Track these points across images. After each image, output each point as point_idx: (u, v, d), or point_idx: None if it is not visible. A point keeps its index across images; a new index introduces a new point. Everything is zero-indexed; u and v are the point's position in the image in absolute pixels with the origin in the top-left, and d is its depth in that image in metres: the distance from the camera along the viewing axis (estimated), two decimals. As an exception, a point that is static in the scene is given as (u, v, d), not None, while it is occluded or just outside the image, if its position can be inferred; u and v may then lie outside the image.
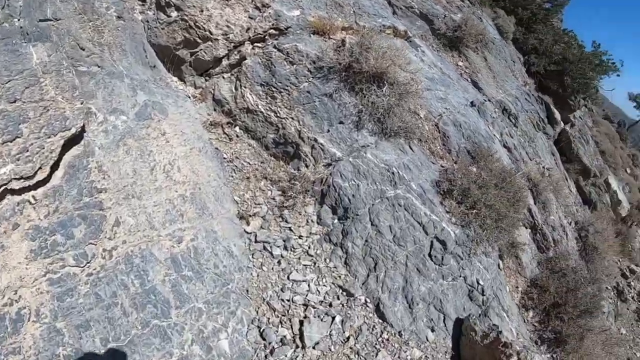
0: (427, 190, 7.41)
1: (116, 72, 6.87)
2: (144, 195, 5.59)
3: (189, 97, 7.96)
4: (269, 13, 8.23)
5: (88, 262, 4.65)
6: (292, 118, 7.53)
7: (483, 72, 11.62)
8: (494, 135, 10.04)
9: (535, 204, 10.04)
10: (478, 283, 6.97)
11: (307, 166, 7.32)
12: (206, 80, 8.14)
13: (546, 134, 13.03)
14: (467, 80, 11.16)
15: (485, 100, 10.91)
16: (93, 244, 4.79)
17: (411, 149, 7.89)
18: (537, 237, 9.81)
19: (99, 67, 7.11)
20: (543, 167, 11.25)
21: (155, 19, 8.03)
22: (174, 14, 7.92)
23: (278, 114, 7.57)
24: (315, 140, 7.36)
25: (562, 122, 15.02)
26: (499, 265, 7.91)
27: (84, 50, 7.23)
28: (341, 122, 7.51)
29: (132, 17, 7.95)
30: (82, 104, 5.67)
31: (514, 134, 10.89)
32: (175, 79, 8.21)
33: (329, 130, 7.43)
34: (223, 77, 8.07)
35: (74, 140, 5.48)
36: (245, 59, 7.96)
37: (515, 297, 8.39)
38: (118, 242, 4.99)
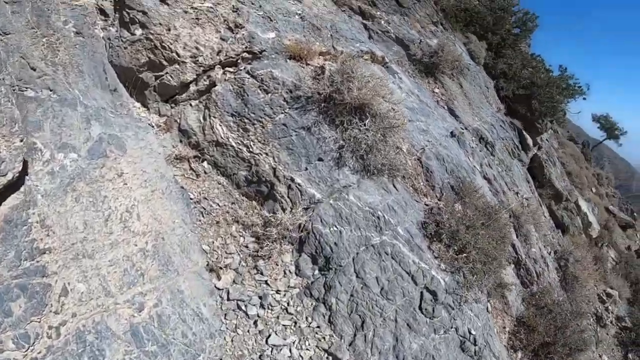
0: (415, 235, 6.95)
1: (69, 99, 6.05)
2: (97, 254, 4.81)
3: (152, 127, 7.19)
4: (243, 35, 7.61)
5: (31, 345, 3.90)
6: (267, 154, 6.91)
7: (459, 99, 11.42)
8: (475, 166, 9.79)
9: (517, 237, 9.83)
10: (470, 333, 6.56)
11: (283, 209, 6.70)
12: (172, 107, 7.39)
13: (521, 161, 13.02)
14: (444, 107, 10.92)
15: (463, 129, 10.66)
16: (36, 321, 4.03)
17: (395, 187, 7.43)
18: (520, 273, 9.58)
19: (50, 90, 6.26)
20: (521, 197, 11.11)
21: (118, 37, 7.24)
22: (139, 31, 7.17)
23: (251, 149, 6.93)
24: (292, 179, 6.76)
25: (533, 147, 15.11)
26: (487, 308, 7.53)
27: (34, 70, 6.36)
28: (320, 159, 6.95)
29: (92, 34, 7.14)
30: (22, 141, 4.83)
31: (492, 163, 10.71)
32: (137, 104, 7.42)
33: (307, 169, 6.85)
34: (190, 105, 7.36)
35: (11, 187, 4.64)
36: (216, 85, 7.29)
37: (503, 338, 8.05)
38: (67, 315, 4.22)
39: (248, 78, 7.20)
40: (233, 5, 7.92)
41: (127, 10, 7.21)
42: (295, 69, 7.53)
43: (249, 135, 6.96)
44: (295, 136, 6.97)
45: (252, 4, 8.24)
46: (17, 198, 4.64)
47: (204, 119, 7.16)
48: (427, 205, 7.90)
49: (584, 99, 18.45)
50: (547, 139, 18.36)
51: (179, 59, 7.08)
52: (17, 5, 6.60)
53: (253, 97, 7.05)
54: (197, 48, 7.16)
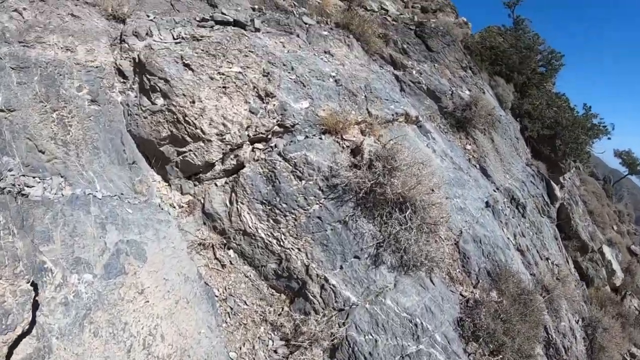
0: (452, 340, 6.47)
1: (81, 198, 5.48)
2: (119, 401, 4.26)
3: (174, 207, 6.58)
4: (274, 106, 7.00)
5: None
6: (299, 249, 6.34)
7: (491, 155, 10.86)
8: (509, 239, 9.24)
9: (548, 313, 9.30)
10: None
11: (315, 310, 6.14)
12: (195, 185, 6.79)
13: (550, 218, 12.48)
14: (476, 166, 10.36)
15: (495, 191, 10.08)
16: None
17: (432, 281, 6.89)
18: (549, 352, 9.08)
19: (61, 177, 5.69)
20: (552, 264, 10.60)
21: (137, 104, 6.63)
22: (160, 101, 6.55)
23: (282, 243, 6.35)
24: (326, 279, 6.20)
25: (560, 191, 14.60)
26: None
27: (43, 153, 5.75)
28: (357, 257, 6.40)
29: (109, 99, 6.53)
30: (28, 282, 4.27)
31: (525, 229, 10.21)
32: (158, 178, 6.82)
33: (342, 267, 6.29)
34: (216, 185, 6.77)
35: (22, 334, 4.07)
36: (244, 166, 6.66)
37: None
38: None
39: (280, 161, 6.60)
40: (263, 69, 7.30)
41: (147, 75, 6.58)
42: (331, 149, 6.93)
43: (279, 228, 6.38)
44: (331, 231, 6.40)
45: (284, 65, 7.62)
46: (30, 344, 4.10)
47: (230, 203, 6.56)
48: (463, 296, 7.38)
49: (609, 138, 17.89)
50: (569, 178, 17.84)
51: (204, 136, 6.48)
52: (24, 73, 5.96)
53: (285, 185, 6.45)
54: (224, 125, 6.55)
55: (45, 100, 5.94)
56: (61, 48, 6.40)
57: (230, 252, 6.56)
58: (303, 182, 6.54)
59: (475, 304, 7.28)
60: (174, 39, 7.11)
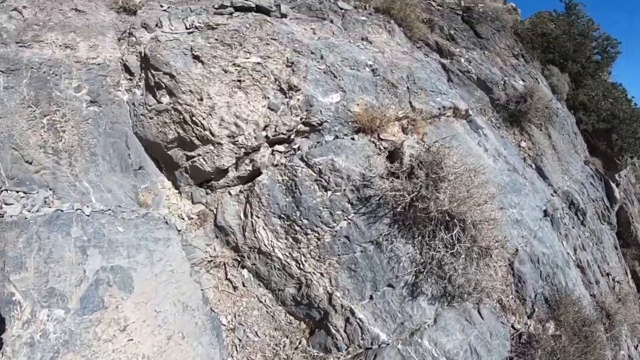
0: (503, 389, 4.80)
1: (63, 215, 4.29)
2: None
3: (184, 219, 5.31)
4: (298, 101, 5.51)
5: None
6: (322, 274, 4.91)
7: (548, 154, 8.87)
8: (568, 254, 7.36)
9: (607, 340, 7.39)
10: None
11: (337, 347, 4.75)
12: (207, 193, 5.47)
13: (610, 225, 10.31)
14: (532, 166, 8.44)
15: (553, 194, 8.16)
16: None
17: (480, 314, 5.25)
18: (607, 386, 7.20)
19: (49, 189, 4.56)
20: (613, 281, 8.56)
21: (143, 103, 5.35)
22: (165, 99, 5.23)
23: (301, 265, 4.94)
24: (352, 311, 4.75)
25: (619, 199, 12.20)
26: None
27: (30, 163, 4.61)
28: (390, 285, 4.90)
29: (113, 98, 5.30)
30: None
31: (585, 239, 8.21)
32: (168, 185, 5.59)
33: (372, 297, 4.82)
34: (229, 194, 5.42)
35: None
36: (260, 172, 5.24)
37: None
38: None
39: (302, 168, 5.12)
40: (287, 59, 5.79)
41: (152, 71, 5.27)
42: (365, 151, 5.37)
43: (299, 247, 4.95)
44: (360, 253, 4.90)
45: (312, 54, 6.07)
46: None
47: (245, 215, 5.19)
48: (515, 328, 5.70)
49: (670, 132, 14.97)
50: (624, 175, 15.21)
51: (213, 139, 5.11)
52: (13, 77, 4.78)
53: (307, 196, 4.98)
54: (236, 125, 5.15)
55: (35, 105, 4.77)
56: (59, 46, 5.20)
57: (244, 271, 5.21)
58: (329, 193, 5.03)
59: (529, 340, 5.58)
60: (186, 28, 5.74)
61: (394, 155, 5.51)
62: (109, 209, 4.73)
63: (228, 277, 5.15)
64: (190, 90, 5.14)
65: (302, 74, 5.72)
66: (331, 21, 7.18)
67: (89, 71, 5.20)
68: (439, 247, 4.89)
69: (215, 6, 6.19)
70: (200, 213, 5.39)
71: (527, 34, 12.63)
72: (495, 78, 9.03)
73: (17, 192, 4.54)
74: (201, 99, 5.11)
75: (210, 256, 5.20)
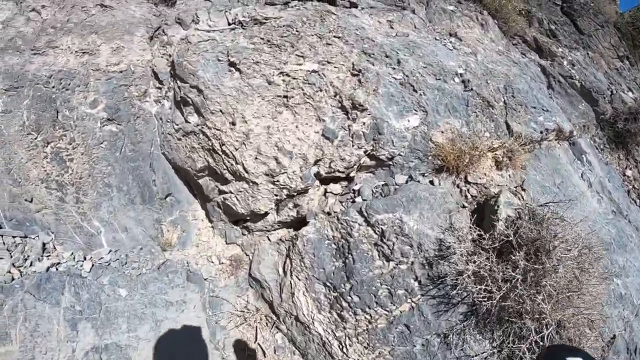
0: None
1: (55, 275, 2.66)
2: None
3: (213, 262, 3.58)
4: (363, 124, 3.35)
5: None
6: (375, 376, 2.89)
7: (661, 182, 5.80)
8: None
9: None
10: None
11: None
12: (243, 234, 3.61)
13: None
14: (636, 202, 5.51)
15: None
16: None
17: None
18: None
19: (51, 233, 2.93)
20: None
21: (170, 120, 3.46)
22: (193, 119, 3.30)
23: (345, 349, 3.00)
24: None
25: None
26: None
27: (31, 201, 2.93)
28: (471, 407, 2.74)
29: (137, 112, 3.45)
30: None
31: None
32: (201, 215, 3.84)
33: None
34: (268, 239, 3.54)
35: None
36: (306, 222, 3.26)
37: None
38: None
39: (360, 225, 3.03)
40: (353, 64, 3.56)
41: (178, 82, 3.34)
42: (446, 204, 3.13)
43: (345, 327, 2.98)
44: (421, 347, 2.82)
45: (386, 57, 3.76)
46: None
47: (284, 271, 3.29)
48: None
49: None
50: None
51: (247, 176, 3.15)
52: (14, 97, 3.07)
53: (362, 265, 2.93)
54: (277, 160, 3.12)
55: (36, 131, 3.10)
56: (75, 52, 3.41)
57: (278, 336, 3.39)
58: (391, 264, 2.93)
59: None
60: (228, 24, 3.67)
61: (483, 210, 3.22)
62: (117, 259, 3.09)
63: (258, 339, 3.40)
64: (221, 111, 3.17)
65: (371, 86, 3.48)
66: (413, 11, 4.68)
67: (108, 81, 3.42)
68: (524, 352, 2.69)
69: (269, -5, 4.03)
70: (233, 258, 3.58)
71: (628, 30, 8.79)
72: (601, 87, 5.96)
73: (14, 237, 3.05)
74: (233, 123, 3.14)
75: (240, 312, 3.46)
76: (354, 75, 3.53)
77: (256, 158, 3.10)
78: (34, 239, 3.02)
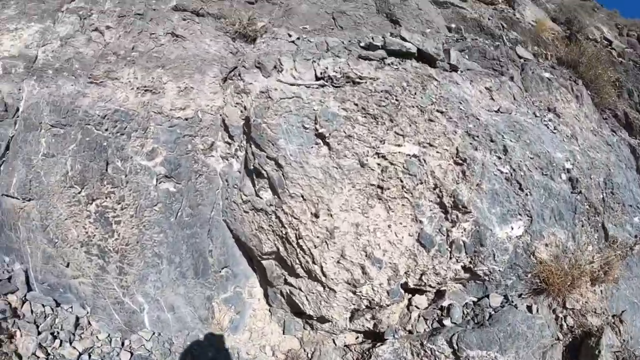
0: None
1: None
2: None
3: (265, 352, 3.02)
4: (464, 231, 2.77)
5: None
6: None
7: None
8: None
9: None
10: None
11: None
12: (305, 328, 3.07)
13: None
14: None
15: None
16: None
17: None
18: None
19: (86, 306, 2.36)
20: None
21: (238, 185, 2.84)
22: (266, 195, 2.68)
23: None
24: None
25: None
26: None
27: (67, 266, 2.30)
28: None
29: (200, 169, 2.85)
30: None
31: None
32: (258, 293, 3.38)
33: None
34: (334, 342, 3.00)
35: None
36: (382, 337, 2.68)
37: None
38: None
39: (447, 358, 2.47)
40: (457, 150, 2.96)
41: (253, 147, 2.73)
42: (542, 340, 2.61)
43: None
44: None
45: (491, 141, 3.14)
46: None
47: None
48: None
49: None
50: None
51: (324, 280, 2.59)
52: (60, 138, 2.47)
53: None
54: (363, 268, 2.55)
55: (80, 184, 2.53)
56: (137, 89, 2.81)
57: None
58: None
59: None
60: (316, 77, 3.05)
61: (580, 347, 2.66)
62: (159, 349, 2.55)
63: None
64: (302, 196, 2.59)
65: (475, 180, 2.87)
66: (511, 78, 4.01)
67: (171, 129, 2.83)
68: None
69: (362, 44, 3.39)
70: (290, 353, 3.00)
71: None
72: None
73: (44, 306, 2.51)
74: (316, 215, 2.55)
75: None
76: (458, 165, 2.93)
77: (338, 262, 2.52)
78: (67, 310, 2.50)
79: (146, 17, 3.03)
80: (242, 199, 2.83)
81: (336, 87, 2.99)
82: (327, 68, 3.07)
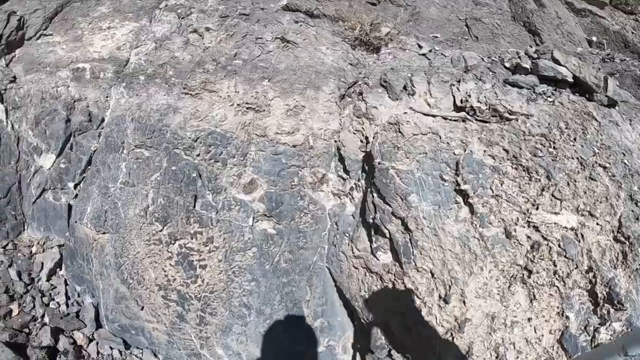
0: None
1: None
2: None
3: None
4: (612, 334, 2.04)
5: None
6: None
7: None
8: None
9: None
10: None
11: None
12: None
13: None
14: None
15: None
16: None
17: None
18: None
19: (159, 354, 2.00)
20: None
21: (350, 234, 2.36)
22: (384, 257, 2.44)
23: None
24: None
25: None
26: None
27: (142, 309, 1.85)
28: None
29: (305, 206, 2.37)
30: None
31: None
32: (349, 348, 2.75)
33: None
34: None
35: None
36: None
37: None
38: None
39: None
40: (620, 221, 2.23)
41: (374, 193, 2.16)
42: None
43: None
44: None
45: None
46: None
47: None
48: None
49: None
50: None
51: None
52: (141, 164, 1.96)
53: None
54: None
55: (162, 222, 2.10)
56: (237, 105, 2.28)
57: None
58: None
59: None
60: (455, 106, 2.40)
61: None
62: None
63: None
64: (432, 272, 2.02)
65: (634, 266, 2.19)
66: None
67: (275, 157, 2.33)
68: None
69: (506, 63, 2.64)
70: None
71: None
72: None
73: (112, 348, 2.19)
74: (446, 301, 2.00)
75: None
76: (618, 242, 2.23)
77: (463, 358, 1.97)
78: (136, 356, 2.16)
79: (252, 17, 2.47)
80: (352, 252, 2.32)
81: (480, 122, 2.33)
82: (469, 95, 2.40)
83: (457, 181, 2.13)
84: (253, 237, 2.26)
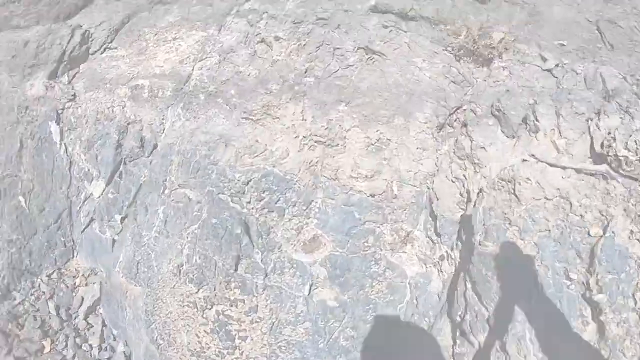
0: None
1: None
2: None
3: None
4: None
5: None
6: None
7: None
8: None
9: None
10: None
11: None
12: None
13: None
14: None
15: None
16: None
17: None
18: None
19: None
20: None
21: (430, 318, 1.88)
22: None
23: None
24: None
25: None
26: None
27: None
28: None
29: (381, 272, 2.00)
30: None
31: None
32: None
33: None
34: None
35: None
36: None
37: None
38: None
39: None
40: None
41: (468, 280, 1.47)
42: None
43: None
44: None
45: None
46: None
47: None
48: None
49: None
50: None
51: None
52: (179, 213, 1.71)
53: None
54: None
55: (197, 283, 1.87)
56: (303, 138, 1.86)
57: None
58: None
59: None
60: (593, 154, 1.59)
61: None
62: None
63: None
64: None
65: None
66: None
67: (347, 209, 1.92)
68: None
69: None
70: None
71: None
72: None
73: None
74: None
75: None
76: None
77: None
78: None
79: (331, 22, 2.02)
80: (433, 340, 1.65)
81: (629, 180, 1.48)
82: (613, 138, 1.57)
83: (588, 283, 1.33)
84: (307, 309, 1.78)
